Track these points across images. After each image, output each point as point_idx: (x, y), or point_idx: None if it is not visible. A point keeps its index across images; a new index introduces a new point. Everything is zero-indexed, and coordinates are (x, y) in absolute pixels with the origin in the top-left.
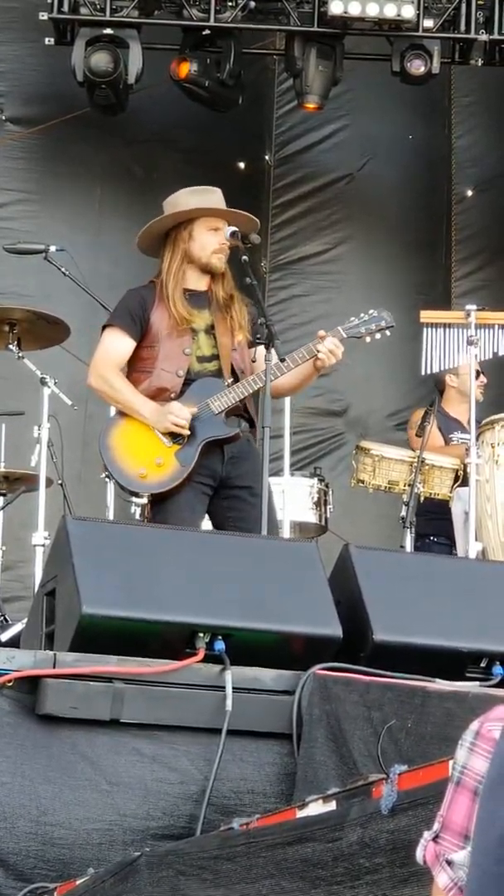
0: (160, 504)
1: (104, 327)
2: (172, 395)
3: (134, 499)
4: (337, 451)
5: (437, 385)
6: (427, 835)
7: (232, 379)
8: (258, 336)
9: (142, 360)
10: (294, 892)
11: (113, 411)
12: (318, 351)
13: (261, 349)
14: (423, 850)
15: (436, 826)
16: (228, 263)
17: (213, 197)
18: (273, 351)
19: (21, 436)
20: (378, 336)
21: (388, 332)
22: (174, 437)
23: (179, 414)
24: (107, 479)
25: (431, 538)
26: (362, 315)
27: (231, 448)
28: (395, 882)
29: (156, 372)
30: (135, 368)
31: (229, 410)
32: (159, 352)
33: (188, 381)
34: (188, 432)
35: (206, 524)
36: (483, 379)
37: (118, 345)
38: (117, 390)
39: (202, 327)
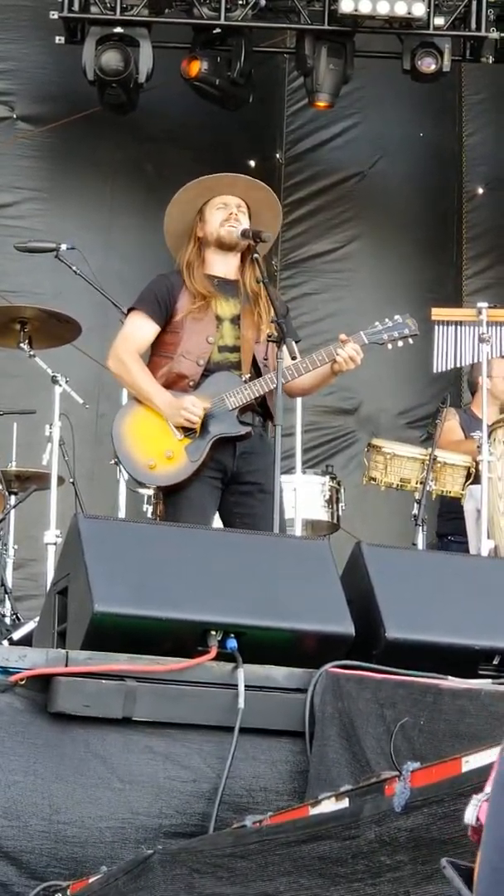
0: (172, 499)
1: (128, 311)
2: (191, 383)
3: (140, 489)
4: (348, 449)
5: (469, 387)
6: (478, 796)
7: (251, 374)
8: (270, 335)
9: (164, 346)
10: (313, 889)
11: (126, 397)
12: (337, 354)
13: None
14: (477, 810)
15: (488, 788)
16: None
17: (216, 177)
18: (285, 349)
19: (33, 434)
20: (400, 344)
21: (410, 341)
22: (186, 430)
23: (193, 410)
24: (116, 465)
25: (449, 538)
26: (386, 321)
27: (243, 443)
28: (419, 879)
29: (176, 358)
30: (157, 353)
31: (244, 406)
32: (182, 338)
33: (208, 370)
34: (198, 426)
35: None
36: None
37: (140, 329)
38: (134, 375)
39: (228, 316)
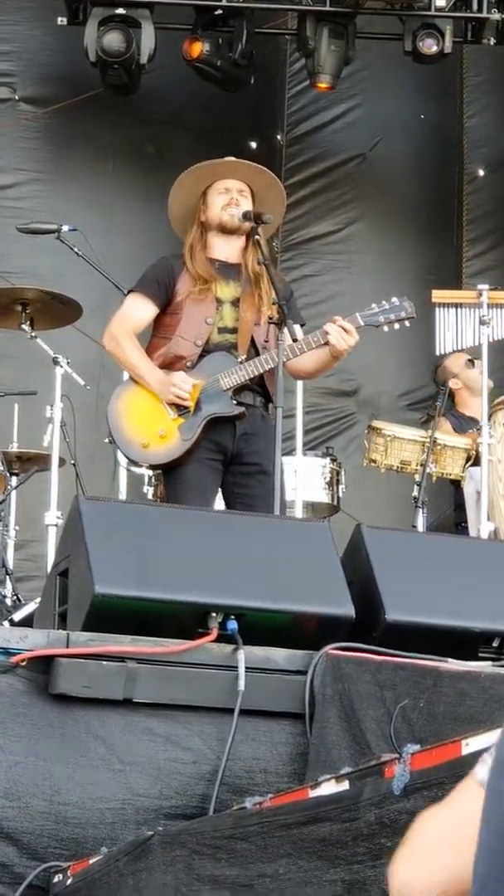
0: (172, 480)
1: (128, 292)
2: (188, 364)
3: (133, 467)
4: (348, 431)
5: (450, 397)
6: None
7: (248, 355)
8: (270, 318)
9: (164, 327)
10: (313, 871)
11: (125, 377)
12: (328, 333)
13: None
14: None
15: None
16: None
17: (217, 162)
18: (286, 331)
19: (34, 416)
20: (397, 326)
21: (407, 323)
22: (180, 409)
23: (182, 385)
24: (111, 444)
25: (463, 525)
26: (383, 303)
27: (244, 424)
28: None
29: (174, 339)
30: (156, 334)
31: (241, 387)
32: (181, 319)
33: (207, 351)
34: (190, 404)
35: (221, 503)
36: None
37: (137, 309)
38: (126, 354)
39: (228, 298)
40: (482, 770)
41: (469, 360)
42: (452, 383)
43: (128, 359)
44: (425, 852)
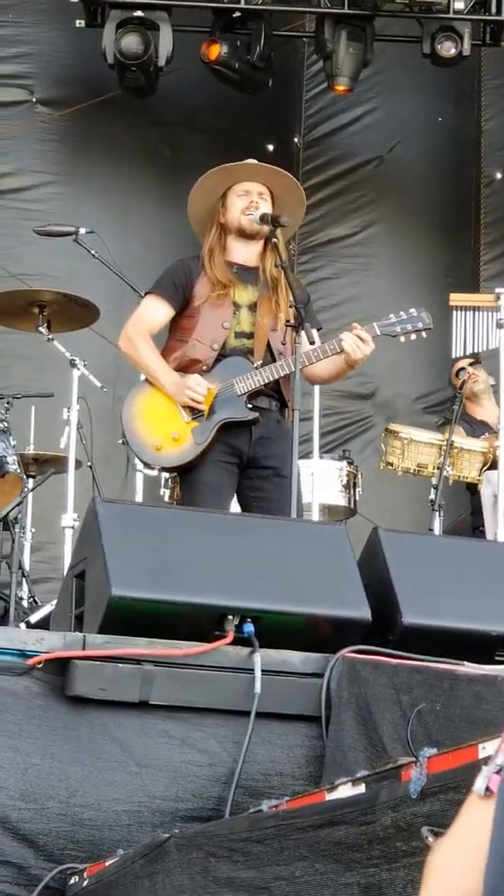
0: (187, 484)
1: (145, 294)
2: (204, 368)
3: (146, 469)
4: (365, 434)
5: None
6: (489, 767)
7: (263, 360)
8: (288, 321)
9: (181, 330)
10: (328, 875)
11: (141, 378)
12: (343, 340)
13: (302, 332)
14: (487, 781)
15: (499, 759)
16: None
17: (237, 165)
18: (304, 335)
19: (50, 418)
20: (413, 337)
21: (424, 335)
22: (194, 412)
23: (196, 388)
24: (124, 445)
25: (480, 529)
26: (401, 313)
27: (259, 428)
28: None
29: (191, 342)
30: (172, 337)
31: (255, 392)
32: (198, 323)
33: (223, 355)
34: (205, 408)
35: (237, 507)
36: (475, 371)
37: (153, 311)
38: (142, 355)
39: (246, 303)
40: (481, 782)
41: (472, 362)
42: (467, 387)
43: (143, 360)
44: (437, 880)
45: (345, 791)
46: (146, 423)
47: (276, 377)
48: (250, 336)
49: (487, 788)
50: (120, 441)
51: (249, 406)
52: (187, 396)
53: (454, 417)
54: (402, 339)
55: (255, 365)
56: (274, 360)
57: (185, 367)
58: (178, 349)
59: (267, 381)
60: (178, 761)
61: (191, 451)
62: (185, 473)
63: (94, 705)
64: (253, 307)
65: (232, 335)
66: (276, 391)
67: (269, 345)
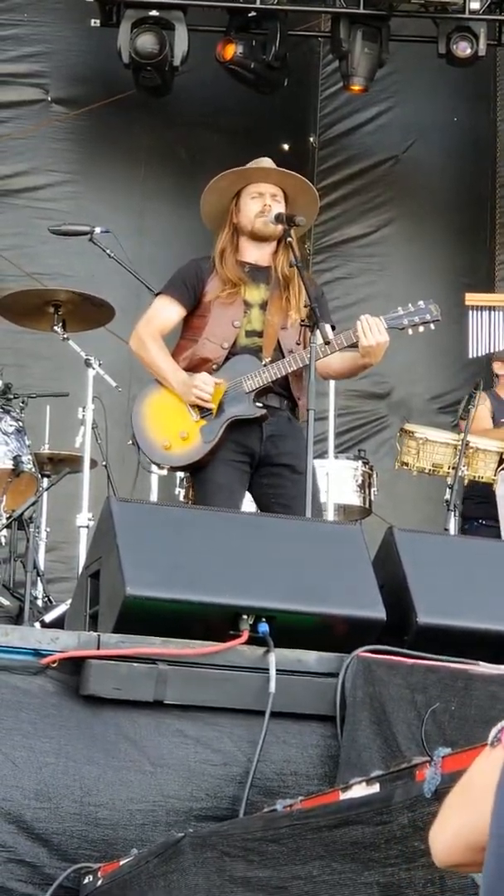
0: (199, 483)
1: (156, 294)
2: (215, 367)
3: (155, 469)
4: (380, 434)
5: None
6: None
7: (271, 359)
8: (302, 321)
9: (192, 329)
10: (347, 874)
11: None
12: (356, 329)
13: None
14: (498, 733)
15: None
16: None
17: (252, 166)
18: (318, 333)
19: (66, 417)
20: (421, 329)
21: (432, 326)
22: (203, 411)
23: (203, 387)
24: (132, 445)
25: (480, 521)
26: (409, 306)
27: (270, 426)
28: None
29: (201, 341)
30: (183, 336)
31: (264, 389)
32: (209, 321)
33: (233, 353)
34: (213, 406)
35: (249, 505)
36: None
37: (163, 311)
38: (151, 355)
39: (257, 302)
40: (493, 733)
41: None
42: (497, 367)
43: (152, 360)
44: (443, 820)
45: (359, 791)
46: (155, 422)
47: (285, 373)
48: (261, 335)
49: (498, 738)
50: (129, 442)
51: (258, 404)
52: (194, 395)
53: (469, 420)
54: (410, 331)
55: (264, 363)
56: (283, 359)
57: (195, 366)
58: (189, 348)
59: (275, 378)
60: (193, 761)
61: (199, 450)
62: (196, 473)
63: (108, 705)
64: (264, 306)
65: (242, 334)
66: (285, 389)
67: (279, 344)
